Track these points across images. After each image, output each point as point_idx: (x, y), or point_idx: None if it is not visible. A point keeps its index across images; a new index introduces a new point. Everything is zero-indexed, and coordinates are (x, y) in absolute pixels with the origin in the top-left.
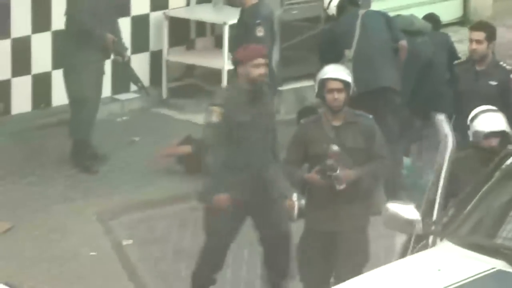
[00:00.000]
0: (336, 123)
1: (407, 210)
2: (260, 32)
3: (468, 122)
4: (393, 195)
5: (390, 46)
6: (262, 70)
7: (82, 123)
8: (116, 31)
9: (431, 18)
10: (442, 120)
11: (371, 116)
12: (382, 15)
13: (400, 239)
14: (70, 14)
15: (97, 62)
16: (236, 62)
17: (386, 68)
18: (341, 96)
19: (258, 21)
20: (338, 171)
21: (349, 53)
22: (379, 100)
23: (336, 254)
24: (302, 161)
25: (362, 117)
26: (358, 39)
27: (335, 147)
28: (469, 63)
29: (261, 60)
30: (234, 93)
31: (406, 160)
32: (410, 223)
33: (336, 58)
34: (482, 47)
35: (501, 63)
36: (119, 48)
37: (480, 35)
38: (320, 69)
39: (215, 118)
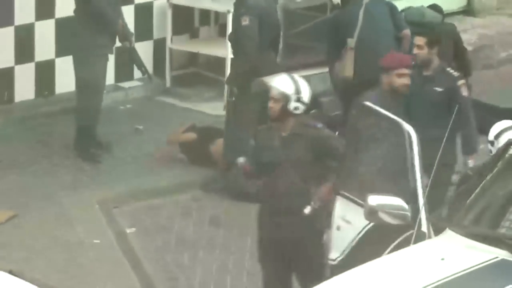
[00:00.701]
0: (283, 133)
1: (391, 201)
2: (244, 21)
3: (492, 139)
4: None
5: (393, 35)
6: (405, 80)
7: (89, 110)
8: (121, 17)
9: (434, 9)
10: (377, 111)
11: (320, 125)
12: (386, 4)
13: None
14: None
15: (105, 48)
16: (381, 69)
17: None
18: (276, 106)
19: (243, 10)
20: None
21: (352, 41)
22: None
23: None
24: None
25: (310, 128)
26: (361, 28)
27: (241, 160)
28: (417, 67)
29: (404, 70)
30: (380, 99)
31: None
32: (396, 214)
33: (341, 47)
34: (423, 52)
35: (449, 69)
36: (126, 33)
37: (420, 40)
38: (327, 58)
39: None
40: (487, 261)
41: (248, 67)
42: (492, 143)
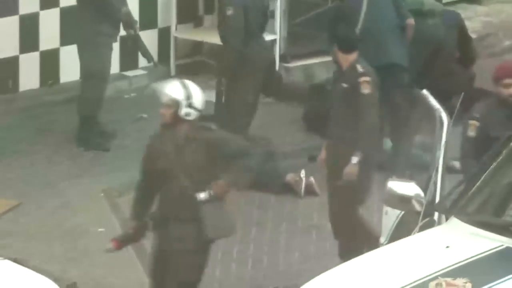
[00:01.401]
0: (177, 139)
1: (408, 187)
2: (229, 10)
3: None
4: (400, 172)
5: (396, 24)
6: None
7: (92, 99)
8: (125, 4)
9: None
10: (427, 96)
11: (214, 127)
12: None
13: (391, 218)
14: None
15: (110, 36)
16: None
17: (393, 45)
18: (167, 112)
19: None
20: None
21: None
22: (386, 77)
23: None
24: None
25: (204, 131)
26: (364, 17)
27: None
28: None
29: (510, 81)
30: (493, 108)
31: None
32: (410, 200)
33: None
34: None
35: (358, 65)
36: (130, 21)
37: None
38: (330, 47)
39: (471, 132)
40: (492, 249)
41: (235, 56)
42: None
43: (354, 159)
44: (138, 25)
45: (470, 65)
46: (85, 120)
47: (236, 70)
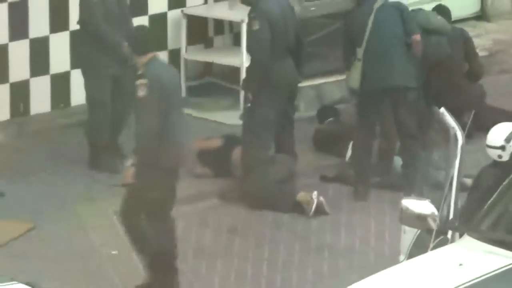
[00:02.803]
0: None
1: (422, 205)
2: (255, 26)
3: (502, 143)
4: (411, 190)
5: (403, 41)
6: None
7: (97, 124)
8: (131, 33)
9: (440, 9)
10: (444, 114)
11: None
12: (397, 7)
13: (408, 236)
14: (83, 19)
15: (108, 68)
16: None
17: (398, 66)
18: None
19: (253, 14)
20: None
21: (359, 51)
22: (390, 98)
23: None
24: None
25: None
26: (369, 37)
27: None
28: None
29: None
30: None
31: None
32: (425, 218)
33: (352, 54)
34: None
35: (148, 67)
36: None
37: None
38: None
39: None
40: (505, 266)
41: (261, 72)
42: (503, 147)
43: (129, 162)
44: None
45: (477, 80)
46: (93, 143)
47: (261, 87)
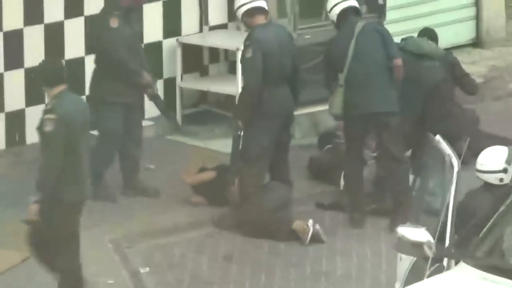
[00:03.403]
0: None
1: (418, 233)
2: (248, 53)
3: (504, 166)
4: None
5: (385, 66)
6: None
7: (103, 155)
8: (144, 62)
9: (427, 32)
10: (440, 141)
11: None
12: (378, 31)
13: (404, 263)
14: (104, 47)
15: (125, 96)
16: None
17: (379, 91)
18: None
19: (247, 42)
20: None
21: (341, 77)
22: (371, 124)
23: None
24: None
25: None
26: (350, 63)
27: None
28: None
29: None
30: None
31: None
32: (421, 245)
33: (334, 80)
34: None
35: (51, 102)
36: (150, 84)
37: None
38: (328, 93)
39: None
40: None
41: (252, 100)
42: (505, 170)
43: (32, 199)
44: (157, 85)
45: (474, 94)
46: (95, 173)
47: (254, 115)
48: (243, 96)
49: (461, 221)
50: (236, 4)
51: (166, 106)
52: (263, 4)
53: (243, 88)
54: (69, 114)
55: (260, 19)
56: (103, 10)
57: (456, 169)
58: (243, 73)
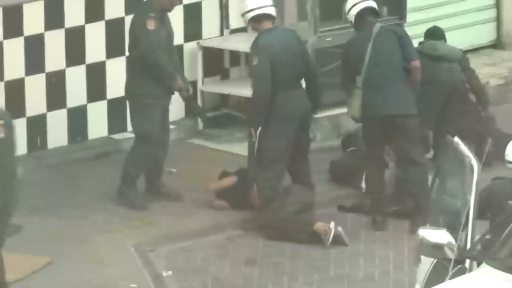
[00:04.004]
0: None
1: (439, 235)
2: (254, 61)
3: None
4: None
5: (402, 68)
6: None
7: (139, 159)
8: (177, 64)
9: (432, 32)
10: (458, 143)
11: None
12: (395, 33)
13: (425, 265)
14: (143, 50)
15: (161, 99)
16: None
17: (397, 93)
18: None
19: (253, 49)
20: None
21: (359, 79)
22: (389, 126)
23: None
24: None
25: None
26: (368, 65)
27: None
28: None
29: None
30: None
31: None
32: (442, 247)
33: (352, 82)
34: None
35: None
36: (184, 87)
37: None
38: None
39: None
40: None
41: (262, 106)
42: None
43: None
44: (190, 87)
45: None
46: (128, 177)
47: (268, 119)
48: (253, 103)
49: (483, 208)
50: (244, 9)
51: (200, 107)
52: (271, 11)
53: (252, 95)
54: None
55: (267, 25)
56: (138, 11)
57: (476, 171)
58: (251, 81)
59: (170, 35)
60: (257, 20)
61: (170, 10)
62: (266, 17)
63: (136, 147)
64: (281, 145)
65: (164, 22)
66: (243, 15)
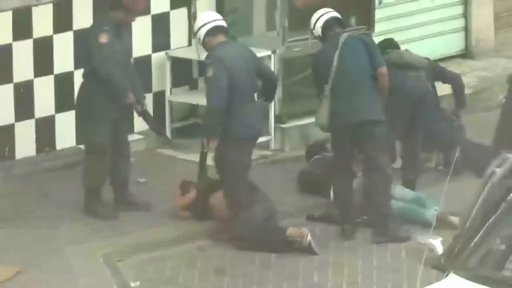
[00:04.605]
0: None
1: (430, 244)
2: (209, 72)
3: None
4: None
5: (369, 75)
6: None
7: (94, 172)
8: (134, 78)
9: (388, 42)
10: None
11: None
12: (362, 41)
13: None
14: (94, 63)
15: (113, 111)
16: None
17: (364, 100)
18: None
19: (208, 61)
20: None
21: (326, 88)
22: (357, 134)
23: None
24: None
25: None
26: (335, 73)
27: None
28: None
29: None
30: None
31: (419, 193)
32: (432, 256)
33: (321, 90)
34: None
35: None
36: (138, 99)
37: None
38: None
39: None
40: None
41: (217, 119)
42: None
43: None
44: (145, 101)
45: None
46: (90, 191)
47: (223, 133)
48: (208, 115)
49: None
50: (197, 25)
51: (155, 121)
52: (224, 23)
53: (207, 107)
54: None
55: (221, 38)
56: (93, 25)
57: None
58: (206, 93)
59: (127, 49)
60: (212, 34)
61: (126, 23)
62: (220, 30)
63: (87, 159)
64: (241, 157)
65: (120, 35)
66: (197, 30)
